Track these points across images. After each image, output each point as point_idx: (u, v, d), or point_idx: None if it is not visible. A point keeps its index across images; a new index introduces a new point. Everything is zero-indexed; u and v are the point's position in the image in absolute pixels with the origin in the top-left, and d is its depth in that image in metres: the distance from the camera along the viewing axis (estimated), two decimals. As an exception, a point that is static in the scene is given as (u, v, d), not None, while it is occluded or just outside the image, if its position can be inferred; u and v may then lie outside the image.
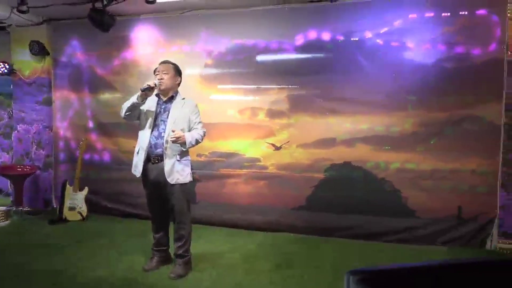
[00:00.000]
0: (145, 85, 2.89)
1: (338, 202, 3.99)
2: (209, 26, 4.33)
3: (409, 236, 3.78)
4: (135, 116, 3.06)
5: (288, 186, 4.15)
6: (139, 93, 2.92)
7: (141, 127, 3.05)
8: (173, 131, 2.86)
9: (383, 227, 3.86)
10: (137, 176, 3.04)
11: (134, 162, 3.08)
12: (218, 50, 4.32)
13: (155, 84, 2.93)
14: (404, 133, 3.82)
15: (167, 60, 3.12)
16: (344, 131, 3.98)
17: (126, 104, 3.00)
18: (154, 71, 3.08)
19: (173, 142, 2.86)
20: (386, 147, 3.88)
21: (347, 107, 3.96)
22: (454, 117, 3.69)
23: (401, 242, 3.75)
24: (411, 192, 3.82)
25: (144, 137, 2.99)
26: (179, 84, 3.10)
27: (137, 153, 3.05)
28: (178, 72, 3.09)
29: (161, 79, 2.98)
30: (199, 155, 4.32)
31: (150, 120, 2.99)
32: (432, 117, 3.75)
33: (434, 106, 3.73)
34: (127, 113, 3.01)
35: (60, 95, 5.00)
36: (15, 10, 3.92)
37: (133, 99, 2.94)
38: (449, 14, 3.68)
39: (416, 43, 3.76)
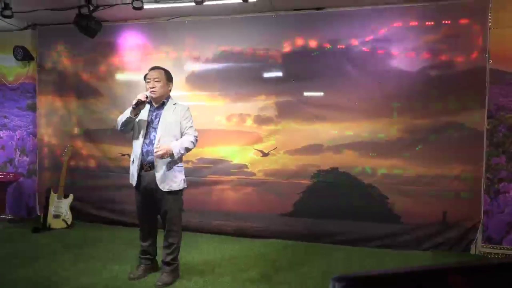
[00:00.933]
0: (135, 100, 2.83)
1: (325, 208, 4.01)
2: (196, 33, 4.34)
3: (394, 241, 3.82)
4: (131, 128, 3.01)
5: (275, 192, 4.16)
6: (131, 108, 2.87)
7: (134, 136, 3.02)
8: (157, 148, 2.82)
9: (369, 233, 3.89)
10: (134, 185, 2.99)
11: (130, 172, 3.02)
12: (205, 57, 4.33)
13: (147, 97, 2.87)
14: (390, 140, 3.87)
15: (158, 66, 3.05)
16: (331, 138, 4.01)
17: (121, 119, 2.97)
18: (145, 78, 3.04)
19: (160, 158, 2.83)
20: (372, 154, 3.92)
21: (334, 114, 4.00)
22: (438, 124, 3.76)
23: (387, 248, 3.79)
24: (396, 197, 3.87)
25: (137, 145, 2.96)
26: (170, 90, 3.07)
27: (132, 162, 3.01)
28: (169, 78, 3.04)
29: (153, 87, 2.93)
30: (186, 161, 4.25)
31: (142, 128, 2.95)
32: (417, 123, 3.81)
33: (418, 113, 3.80)
34: (122, 128, 2.99)
35: (45, 101, 4.93)
36: (-1, 15, 3.86)
37: (127, 113, 2.90)
38: (432, 23, 3.76)
39: (401, 51, 3.83)
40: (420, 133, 3.81)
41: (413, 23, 3.80)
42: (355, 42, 3.94)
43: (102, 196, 4.66)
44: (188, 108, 3.06)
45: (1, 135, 5.03)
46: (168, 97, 3.05)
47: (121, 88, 4.62)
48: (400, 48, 3.83)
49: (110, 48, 4.61)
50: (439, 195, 3.75)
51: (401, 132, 3.85)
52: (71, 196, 4.51)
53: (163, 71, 3.01)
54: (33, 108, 4.94)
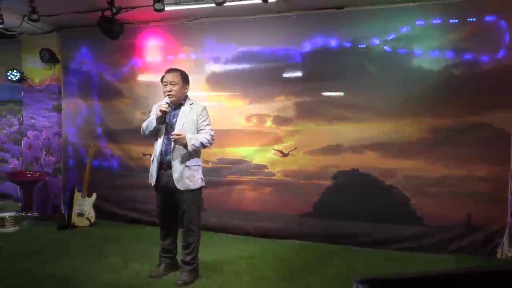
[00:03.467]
0: (158, 114, 2.88)
1: (345, 209, 3.97)
2: (216, 34, 4.38)
3: (416, 244, 3.75)
4: (156, 134, 3.05)
5: (295, 192, 4.15)
6: (154, 117, 2.92)
7: (155, 137, 3.06)
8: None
9: (390, 235, 3.83)
10: (152, 184, 3.04)
11: (150, 171, 3.07)
12: (225, 57, 4.36)
13: (168, 104, 2.91)
14: (412, 140, 3.80)
15: (173, 68, 3.09)
16: (351, 138, 3.98)
17: (146, 127, 3.01)
18: (162, 80, 3.08)
19: (174, 142, 2.87)
20: (394, 154, 3.86)
21: (354, 114, 3.96)
22: (463, 124, 3.67)
23: (408, 250, 3.72)
24: (419, 199, 3.79)
25: (157, 145, 3.01)
26: (187, 91, 3.10)
27: (152, 161, 3.06)
28: (186, 79, 3.07)
29: (170, 91, 2.96)
30: (206, 161, 4.33)
31: (162, 129, 3.00)
32: (440, 123, 3.73)
33: (442, 112, 3.72)
34: (148, 136, 3.04)
35: (69, 102, 5.06)
36: (26, 19, 3.98)
37: (153, 124, 2.94)
38: (457, 21, 3.67)
39: (424, 50, 3.76)
40: (443, 133, 3.72)
41: (437, 21, 3.72)
42: (376, 41, 3.89)
43: (124, 195, 4.75)
44: (205, 108, 3.09)
45: (29, 135, 5.19)
46: (186, 98, 3.09)
47: (142, 89, 4.70)
48: (423, 46, 3.76)
49: (132, 50, 4.71)
50: (464, 197, 3.66)
51: (424, 132, 3.77)
52: (94, 195, 4.62)
53: (179, 73, 3.04)
54: (58, 109, 5.08)
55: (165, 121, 2.95)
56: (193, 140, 2.90)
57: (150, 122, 3.00)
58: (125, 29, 4.28)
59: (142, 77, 4.72)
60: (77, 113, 5.03)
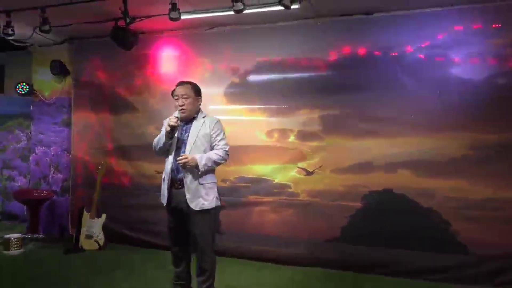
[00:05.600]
0: (167, 127, 2.93)
1: (377, 234, 3.92)
2: (235, 43, 4.45)
3: (459, 275, 3.64)
4: (167, 150, 3.10)
5: (321, 215, 4.12)
6: (164, 132, 2.98)
7: (166, 153, 3.11)
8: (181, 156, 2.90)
9: (429, 264, 3.74)
10: (164, 204, 3.06)
11: (161, 190, 3.10)
12: (245, 68, 4.42)
13: (178, 119, 2.95)
14: (452, 157, 3.74)
15: (184, 81, 3.14)
16: (384, 155, 3.94)
17: (157, 143, 3.08)
18: (172, 94, 3.14)
19: (182, 167, 2.90)
20: (432, 173, 3.80)
21: (386, 128, 3.93)
22: (509, 139, 3.59)
23: (450, 282, 3.62)
24: (461, 224, 3.70)
25: (168, 162, 3.05)
26: (199, 105, 3.14)
27: (163, 179, 3.09)
28: (198, 92, 3.11)
29: (182, 105, 3.01)
30: (224, 180, 4.36)
31: (173, 145, 3.04)
32: (483, 139, 3.66)
33: (485, 127, 3.65)
34: (160, 152, 3.10)
35: (79, 116, 5.21)
36: (37, 30, 4.17)
37: (162, 139, 3.01)
38: (499, 25, 3.63)
39: (463, 57, 3.73)
40: (487, 149, 3.65)
41: (477, 25, 3.69)
42: (409, 48, 3.88)
43: (135, 216, 4.81)
44: (218, 121, 3.12)
45: (37, 151, 5.37)
46: (198, 111, 3.13)
47: (157, 102, 4.80)
48: (462, 54, 3.72)
49: (146, 61, 4.83)
50: (513, 222, 3.55)
51: (465, 148, 3.70)
52: (104, 216, 4.69)
53: (190, 86, 3.09)
54: (68, 123, 5.24)
55: (174, 136, 2.99)
56: (204, 160, 2.91)
57: (160, 137, 3.06)
58: (139, 39, 4.40)
59: (156, 90, 4.82)
60: (88, 128, 5.16)
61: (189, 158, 2.87)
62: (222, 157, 3.01)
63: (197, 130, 3.03)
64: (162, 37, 4.77)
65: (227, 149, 3.05)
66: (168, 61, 4.77)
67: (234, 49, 4.46)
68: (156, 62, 4.82)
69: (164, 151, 3.09)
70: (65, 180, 5.26)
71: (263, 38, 4.35)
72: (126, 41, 4.26)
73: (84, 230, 4.65)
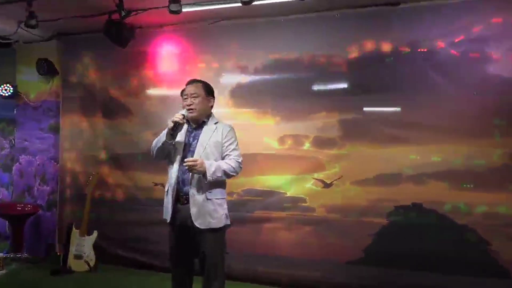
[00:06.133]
0: (171, 123, 2.88)
1: (405, 256, 3.87)
2: (242, 38, 4.44)
3: (501, 303, 3.56)
4: (167, 154, 3.06)
5: (340, 233, 4.08)
6: (166, 130, 2.93)
7: (170, 162, 3.06)
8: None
9: (464, 289, 3.68)
10: (168, 221, 3.01)
11: (164, 204, 3.06)
12: (254, 66, 4.41)
13: (184, 116, 2.92)
14: (492, 167, 3.69)
15: (195, 79, 3.12)
16: (412, 165, 3.90)
17: (156, 144, 3.04)
18: (181, 93, 3.11)
19: (189, 170, 2.85)
20: (468, 185, 3.75)
21: (415, 134, 3.89)
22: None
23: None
24: (503, 244, 3.63)
25: (172, 172, 3.00)
26: (212, 107, 3.11)
27: (167, 192, 3.05)
28: (210, 92, 3.08)
29: (190, 105, 2.97)
30: (229, 193, 4.24)
31: (179, 153, 3.00)
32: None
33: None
34: (157, 155, 3.06)
35: (68, 121, 5.21)
36: (22, 25, 4.16)
37: (162, 138, 2.97)
38: (545, 16, 3.57)
39: (502, 53, 3.69)
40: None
41: (519, 17, 3.64)
42: (441, 43, 3.85)
43: (131, 233, 4.78)
44: (232, 128, 3.09)
45: (20, 160, 5.35)
46: (209, 115, 3.09)
47: (155, 105, 4.79)
48: (501, 49, 3.68)
49: (143, 59, 4.82)
50: None
51: (507, 157, 3.65)
52: (95, 233, 4.65)
53: (201, 85, 3.07)
54: (56, 129, 5.23)
55: (176, 135, 2.94)
56: (213, 168, 2.85)
57: (160, 137, 3.01)
58: (135, 34, 4.39)
59: (154, 91, 4.81)
60: (77, 134, 5.15)
61: (198, 162, 2.81)
62: (234, 168, 2.95)
63: (208, 137, 2.99)
64: (161, 33, 4.75)
65: (240, 161, 3.01)
66: (167, 59, 4.76)
67: (242, 45, 4.44)
68: (155, 61, 4.81)
69: (163, 155, 3.04)
70: (52, 192, 5.23)
71: (274, 32, 4.32)
72: (121, 37, 4.27)
73: (73, 249, 4.61)
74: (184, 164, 2.84)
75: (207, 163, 2.85)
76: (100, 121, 5.05)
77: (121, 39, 4.27)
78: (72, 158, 5.18)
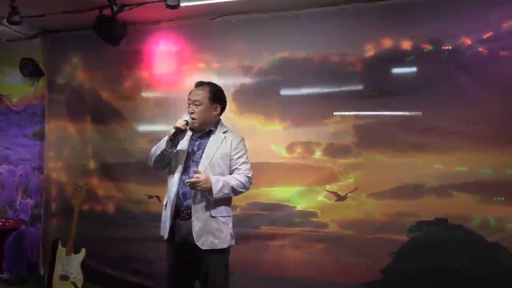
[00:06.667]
0: (171, 130, 2.87)
1: (428, 277, 3.84)
2: (246, 35, 4.45)
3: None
4: (167, 163, 3.07)
5: (356, 252, 4.06)
6: (167, 137, 2.93)
7: (170, 172, 3.06)
8: (195, 172, 2.86)
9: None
10: (165, 238, 3.01)
11: (162, 219, 3.06)
12: (259, 66, 4.41)
13: (187, 122, 2.91)
14: (526, 178, 3.67)
15: (202, 82, 3.10)
16: (435, 175, 3.89)
17: (155, 152, 3.04)
18: (189, 95, 3.11)
19: (191, 188, 2.84)
20: (499, 198, 3.73)
21: (439, 141, 3.87)
22: None
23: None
24: (539, 263, 3.61)
25: (172, 184, 3.00)
26: (219, 114, 3.11)
27: (165, 206, 3.05)
28: (216, 99, 3.05)
29: (192, 113, 2.97)
30: (233, 207, 4.19)
31: (180, 163, 2.99)
32: None
33: None
34: (156, 164, 3.06)
35: (55, 127, 5.22)
36: (5, 21, 4.18)
37: (162, 145, 2.97)
38: None
39: (538, 51, 3.68)
40: None
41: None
42: (467, 40, 3.84)
43: (122, 251, 4.77)
44: (242, 139, 3.10)
45: (1, 170, 5.36)
46: (217, 123, 3.10)
47: (150, 109, 4.80)
48: (536, 47, 3.68)
49: (137, 58, 4.84)
50: None
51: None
52: (83, 251, 4.62)
53: (206, 90, 3.04)
54: (40, 136, 5.25)
55: (177, 144, 2.94)
56: (220, 183, 2.85)
57: (160, 144, 3.01)
58: (128, 31, 4.40)
59: (149, 94, 4.83)
60: (64, 142, 5.17)
61: (201, 178, 2.80)
62: (243, 184, 2.97)
63: (215, 148, 2.99)
64: (157, 29, 4.78)
65: (250, 175, 3.02)
66: (164, 58, 4.78)
67: (246, 43, 4.45)
68: (150, 60, 4.83)
69: (162, 164, 3.06)
70: (36, 206, 5.23)
71: (282, 29, 4.33)
72: (113, 34, 4.28)
73: (58, 269, 4.58)
74: (186, 181, 2.84)
75: (213, 179, 2.84)
76: (89, 126, 5.06)
77: (113, 36, 4.28)
78: (58, 168, 5.19)
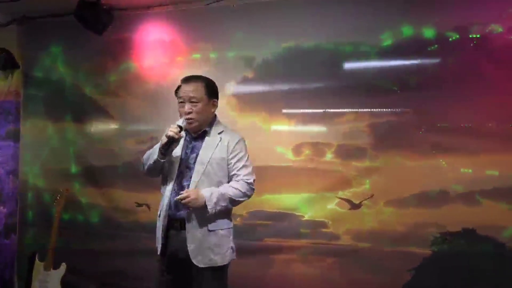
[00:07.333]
0: (164, 139, 2.85)
1: None
2: (248, 23, 4.45)
3: None
4: (160, 170, 3.07)
5: (372, 267, 4.06)
6: (159, 144, 2.93)
7: (163, 179, 3.08)
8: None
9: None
10: (158, 252, 3.01)
11: (156, 229, 3.06)
12: (262, 57, 4.42)
13: (180, 129, 2.87)
14: None
15: (193, 76, 3.07)
16: (462, 180, 3.89)
17: (148, 159, 3.05)
18: (176, 93, 3.12)
19: (183, 205, 2.84)
20: None
21: (466, 142, 3.87)
22: None
23: None
24: None
25: (165, 192, 3.02)
26: (215, 111, 3.11)
27: (159, 216, 3.06)
28: (213, 93, 3.05)
29: (189, 113, 2.94)
30: (233, 216, 4.24)
31: (173, 169, 3.00)
32: None
33: None
34: (150, 171, 3.08)
35: (31, 126, 5.24)
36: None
37: (155, 153, 2.96)
38: None
39: None
40: None
41: None
42: (497, 28, 3.83)
43: (108, 266, 4.77)
44: (241, 140, 3.08)
45: (-28, 175, 5.37)
46: (212, 122, 3.09)
47: (140, 106, 4.80)
48: None
49: (124, 49, 4.84)
50: None
51: None
52: (63, 266, 4.63)
53: (203, 84, 3.02)
54: (15, 136, 5.26)
55: (169, 153, 2.94)
56: (214, 197, 2.84)
57: (153, 151, 3.02)
58: (114, 18, 4.41)
59: (138, 89, 4.82)
60: (42, 142, 5.18)
61: (191, 197, 2.79)
62: (243, 193, 2.96)
63: (210, 152, 2.98)
64: (146, 16, 4.78)
65: (251, 181, 3.00)
66: (155, 48, 4.78)
67: (247, 31, 4.46)
68: (139, 51, 4.83)
69: (156, 172, 3.07)
70: (11, 215, 5.24)
71: (288, 15, 4.34)
72: (97, 21, 4.28)
73: (36, 285, 4.59)
74: (175, 198, 2.86)
75: (205, 193, 2.83)
76: (70, 126, 5.08)
77: (98, 24, 4.28)
78: (35, 172, 5.21)
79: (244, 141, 3.09)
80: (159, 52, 4.76)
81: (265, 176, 4.24)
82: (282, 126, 4.36)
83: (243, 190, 2.94)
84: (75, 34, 4.63)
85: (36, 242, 5.05)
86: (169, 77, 4.57)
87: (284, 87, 4.35)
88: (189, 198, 2.78)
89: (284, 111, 4.36)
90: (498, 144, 3.80)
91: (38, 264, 4.64)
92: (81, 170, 5.02)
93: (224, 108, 4.37)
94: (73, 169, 5.05)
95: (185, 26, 4.68)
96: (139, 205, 4.67)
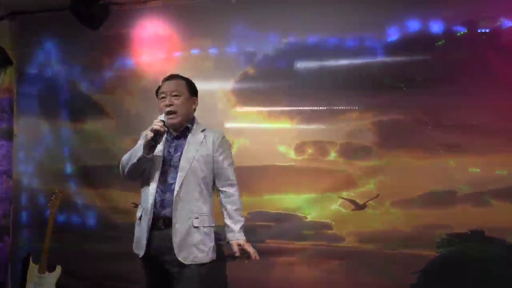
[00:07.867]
0: (149, 133, 2.89)
1: None
2: (249, 17, 4.45)
3: None
4: (142, 172, 3.11)
5: (377, 269, 4.05)
6: (143, 142, 2.96)
7: (144, 179, 3.11)
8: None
9: None
10: (140, 255, 3.05)
11: (135, 235, 3.11)
12: (263, 53, 4.41)
13: (164, 123, 2.95)
14: None
15: (175, 75, 3.21)
16: (471, 180, 3.89)
17: (128, 160, 3.07)
18: (157, 92, 3.19)
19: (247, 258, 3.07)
20: None
21: (475, 140, 3.86)
22: None
23: None
24: None
25: (148, 192, 3.04)
26: (195, 110, 3.20)
27: (140, 219, 3.09)
28: (194, 92, 3.20)
29: (171, 105, 3.03)
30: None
31: (156, 168, 3.03)
32: None
33: None
34: (130, 173, 3.09)
35: (25, 125, 5.22)
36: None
37: (138, 152, 2.98)
38: None
39: None
40: None
41: None
42: (507, 22, 3.83)
43: (104, 269, 4.78)
44: (224, 137, 3.19)
45: (-36, 175, 5.36)
46: (193, 120, 3.17)
47: (136, 103, 4.80)
48: None
49: (120, 44, 4.83)
50: None
51: None
52: (58, 269, 4.62)
53: (184, 82, 3.16)
54: (8, 135, 5.25)
55: (155, 148, 2.97)
56: (241, 229, 3.09)
57: (134, 151, 3.04)
58: (110, 13, 4.39)
59: (135, 86, 4.81)
60: (36, 142, 5.17)
61: (252, 250, 3.05)
62: (241, 202, 3.16)
63: (194, 149, 3.05)
64: (143, 10, 4.78)
65: (236, 183, 3.18)
66: (152, 44, 4.77)
67: (248, 25, 4.45)
68: (136, 46, 4.82)
69: (138, 173, 3.10)
70: (4, 216, 5.23)
71: (291, 9, 4.33)
72: (92, 16, 4.27)
73: (30, 289, 4.59)
74: (236, 254, 3.05)
75: (240, 235, 3.07)
76: (65, 124, 5.06)
77: (93, 19, 4.28)
78: (29, 172, 5.19)
79: (226, 138, 3.25)
80: (156, 48, 4.75)
81: (267, 176, 4.29)
82: (284, 124, 4.35)
83: (240, 206, 3.15)
84: (70, 30, 4.63)
85: (30, 244, 5.04)
86: (167, 74, 4.49)
87: (287, 83, 4.34)
88: (254, 254, 3.05)
89: (286, 108, 4.35)
90: (507, 143, 3.79)
91: (33, 267, 4.63)
92: (77, 170, 5.00)
93: (224, 104, 4.40)
94: (68, 169, 5.04)
95: (183, 20, 4.67)
96: (137, 205, 4.61)
